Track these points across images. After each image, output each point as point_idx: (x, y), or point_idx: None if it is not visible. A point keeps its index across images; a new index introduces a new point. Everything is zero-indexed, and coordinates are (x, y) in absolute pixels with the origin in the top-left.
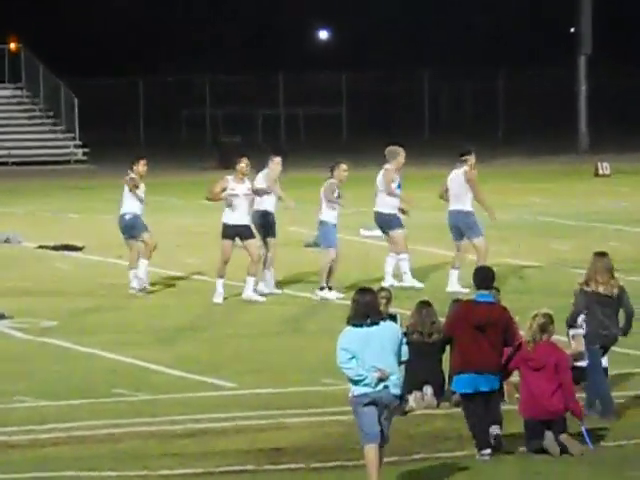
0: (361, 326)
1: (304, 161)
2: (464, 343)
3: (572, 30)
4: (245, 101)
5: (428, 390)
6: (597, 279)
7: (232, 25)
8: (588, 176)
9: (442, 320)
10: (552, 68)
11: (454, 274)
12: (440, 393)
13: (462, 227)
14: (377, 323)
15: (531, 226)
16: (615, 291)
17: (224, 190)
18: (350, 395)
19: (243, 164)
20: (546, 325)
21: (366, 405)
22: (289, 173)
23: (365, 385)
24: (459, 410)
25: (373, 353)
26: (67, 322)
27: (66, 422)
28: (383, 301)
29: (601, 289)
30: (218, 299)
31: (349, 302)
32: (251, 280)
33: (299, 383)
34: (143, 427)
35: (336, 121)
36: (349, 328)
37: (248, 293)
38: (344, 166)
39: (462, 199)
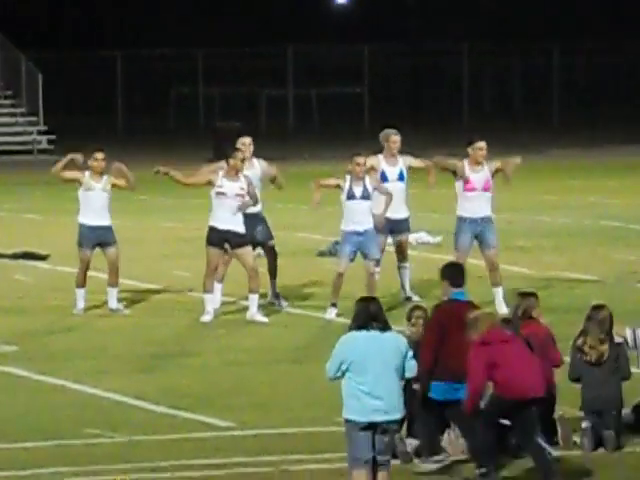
0: (366, 329)
1: (317, 151)
2: (452, 347)
3: None
4: (246, 79)
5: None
6: None
7: None
8: None
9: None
10: (619, 41)
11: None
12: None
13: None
14: (383, 330)
15: (592, 232)
16: None
17: (209, 183)
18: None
19: (240, 158)
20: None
21: (361, 430)
22: (298, 166)
23: (356, 409)
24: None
25: (373, 362)
26: (29, 347)
27: (25, 469)
28: (420, 321)
29: None
30: (205, 318)
31: None
32: (254, 298)
33: (308, 422)
34: (120, 475)
35: (356, 103)
36: (351, 332)
37: (252, 312)
38: (358, 159)
39: None
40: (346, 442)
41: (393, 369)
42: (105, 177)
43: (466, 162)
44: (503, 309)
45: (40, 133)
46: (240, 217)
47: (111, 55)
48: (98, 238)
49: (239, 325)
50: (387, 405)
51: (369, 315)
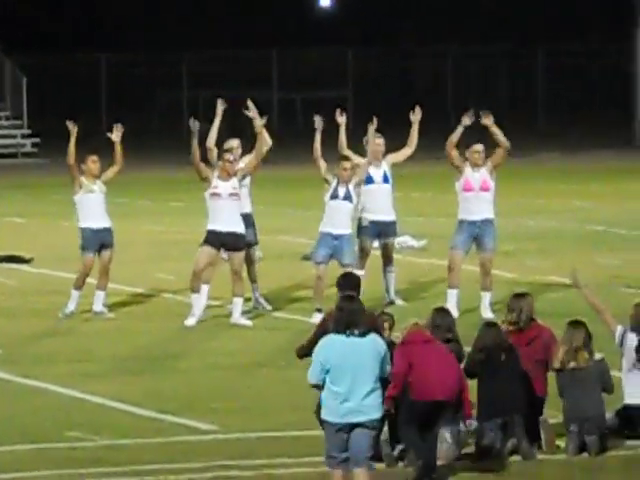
0: (345, 335)
1: (302, 155)
2: None
3: None
4: (231, 83)
5: (446, 435)
6: None
7: None
8: None
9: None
10: (603, 44)
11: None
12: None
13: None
14: (363, 335)
15: (576, 236)
16: None
17: (206, 179)
18: None
19: (227, 159)
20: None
21: (337, 430)
22: (282, 170)
23: (333, 411)
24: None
25: (351, 367)
26: (12, 350)
27: (8, 472)
28: (385, 325)
29: None
30: (190, 322)
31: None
32: (238, 302)
33: (292, 426)
34: (102, 478)
35: (340, 106)
36: (330, 336)
37: (235, 316)
38: (344, 163)
39: None
40: (324, 441)
41: (371, 372)
42: (98, 180)
43: (467, 163)
44: (488, 314)
45: (24, 137)
46: (239, 217)
47: (95, 58)
48: (101, 240)
49: (223, 329)
50: (364, 406)
51: (349, 319)
